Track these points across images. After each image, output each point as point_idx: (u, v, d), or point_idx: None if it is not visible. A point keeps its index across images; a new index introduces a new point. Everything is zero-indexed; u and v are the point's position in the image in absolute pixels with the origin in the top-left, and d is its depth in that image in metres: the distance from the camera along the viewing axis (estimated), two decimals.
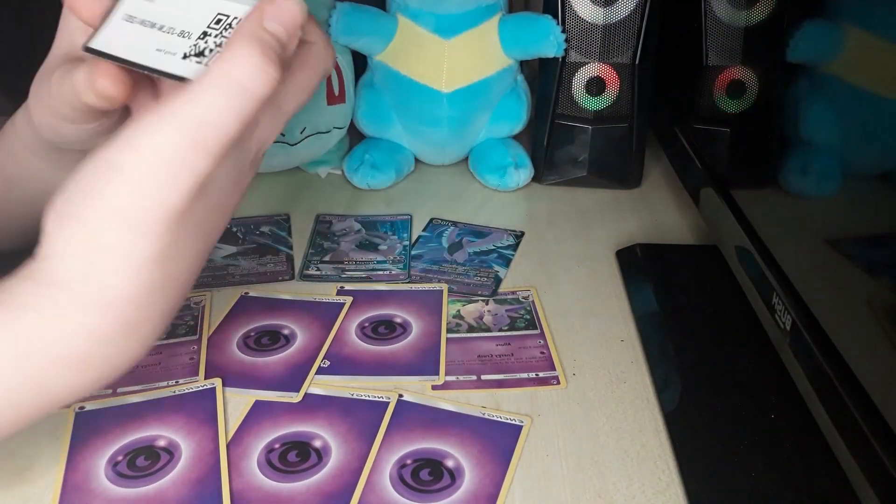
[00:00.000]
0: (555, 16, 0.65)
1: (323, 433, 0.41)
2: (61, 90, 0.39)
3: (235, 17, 0.37)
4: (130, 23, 0.38)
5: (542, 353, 0.48)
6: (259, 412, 0.42)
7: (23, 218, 0.55)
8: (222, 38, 0.37)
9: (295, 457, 0.39)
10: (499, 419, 0.42)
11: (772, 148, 0.48)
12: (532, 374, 0.46)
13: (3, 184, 0.53)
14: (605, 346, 0.49)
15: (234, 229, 0.61)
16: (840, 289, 0.37)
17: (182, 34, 0.38)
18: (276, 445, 0.40)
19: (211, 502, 0.37)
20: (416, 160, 0.73)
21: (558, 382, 0.45)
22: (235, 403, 0.43)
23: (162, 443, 0.40)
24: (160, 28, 0.38)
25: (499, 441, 0.41)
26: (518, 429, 0.41)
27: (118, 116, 0.41)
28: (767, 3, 0.54)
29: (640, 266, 0.57)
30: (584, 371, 0.46)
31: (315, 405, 0.43)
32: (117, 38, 0.38)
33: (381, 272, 0.56)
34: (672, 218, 0.66)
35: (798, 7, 0.45)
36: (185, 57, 0.37)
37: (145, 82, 0.40)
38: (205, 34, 0.37)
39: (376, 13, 0.68)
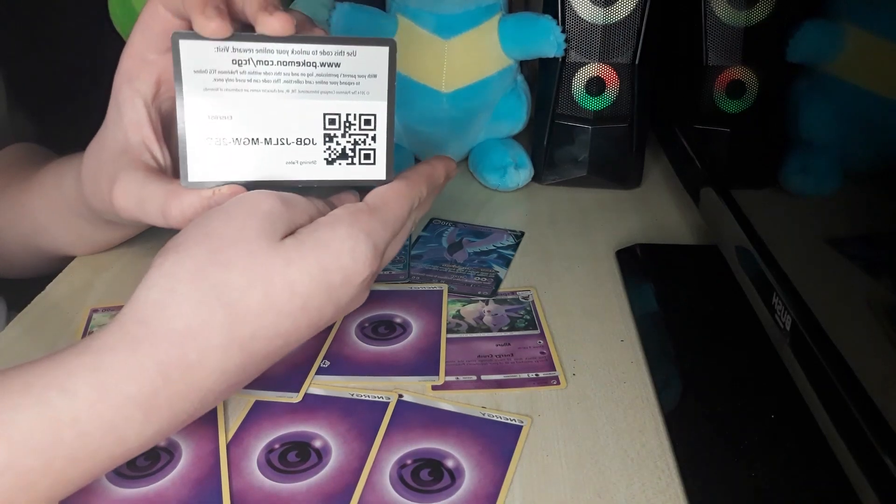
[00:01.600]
0: (555, 16, 0.65)
1: (323, 433, 0.41)
2: (141, 209, 0.39)
3: (349, 113, 0.38)
4: (221, 145, 0.37)
5: (542, 353, 0.48)
6: (259, 412, 0.42)
7: (38, 253, 0.56)
8: (352, 136, 0.38)
9: (295, 457, 0.39)
10: (499, 419, 0.42)
11: (772, 148, 0.48)
12: (532, 374, 0.46)
13: (30, 227, 0.53)
14: (605, 346, 0.49)
15: None
16: (840, 289, 0.37)
17: (301, 142, 0.38)
18: (276, 445, 0.40)
19: (211, 502, 0.37)
20: (416, 160, 0.73)
21: (558, 382, 0.45)
22: (235, 403, 0.43)
23: (162, 443, 0.40)
24: (268, 142, 0.37)
25: (499, 441, 0.41)
26: (518, 429, 0.41)
27: None
28: (767, 3, 0.54)
29: (640, 266, 0.57)
30: (584, 371, 0.46)
31: (315, 405, 0.43)
32: (220, 162, 0.38)
33: (380, 272, 0.56)
34: (672, 218, 0.66)
35: (798, 7, 0.45)
36: (329, 162, 0.38)
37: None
38: (330, 136, 0.38)
39: (376, 13, 0.68)
